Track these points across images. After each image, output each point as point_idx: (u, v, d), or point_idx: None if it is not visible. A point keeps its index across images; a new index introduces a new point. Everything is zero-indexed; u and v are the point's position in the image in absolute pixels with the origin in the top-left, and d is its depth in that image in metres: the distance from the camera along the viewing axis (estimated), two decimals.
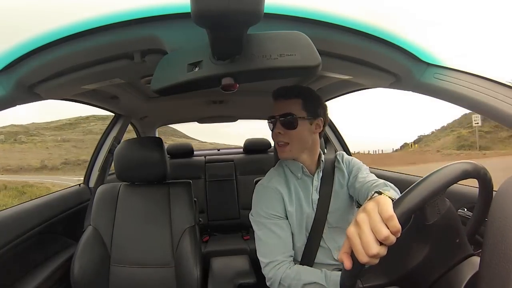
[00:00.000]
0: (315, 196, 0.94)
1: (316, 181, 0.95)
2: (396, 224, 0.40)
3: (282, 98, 0.93)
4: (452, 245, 0.54)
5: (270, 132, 0.97)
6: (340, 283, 0.51)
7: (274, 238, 0.89)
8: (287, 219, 0.92)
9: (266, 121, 0.99)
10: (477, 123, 15.35)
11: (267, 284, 0.89)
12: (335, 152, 1.05)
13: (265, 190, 0.95)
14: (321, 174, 0.96)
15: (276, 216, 0.91)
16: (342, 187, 0.96)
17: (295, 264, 0.89)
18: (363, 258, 0.41)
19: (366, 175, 0.92)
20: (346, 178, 0.97)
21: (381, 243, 0.41)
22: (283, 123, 0.90)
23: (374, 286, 0.55)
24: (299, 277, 0.82)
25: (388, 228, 0.40)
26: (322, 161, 0.98)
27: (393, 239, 0.40)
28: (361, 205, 0.85)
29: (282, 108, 0.91)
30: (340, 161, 1.00)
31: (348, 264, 0.44)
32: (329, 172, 0.97)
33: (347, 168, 0.99)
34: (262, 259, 0.89)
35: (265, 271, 0.88)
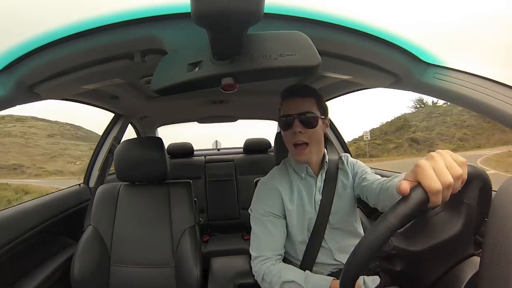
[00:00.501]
0: (318, 197, 0.94)
1: (320, 182, 0.95)
2: (465, 172, 0.42)
3: (300, 96, 0.89)
4: (473, 236, 0.55)
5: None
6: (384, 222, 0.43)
7: (266, 234, 0.90)
8: (285, 218, 0.93)
9: (276, 120, 0.97)
10: (367, 137, 20.49)
11: (254, 275, 0.91)
12: (338, 154, 1.04)
13: (265, 188, 0.95)
14: (324, 175, 0.96)
15: (272, 214, 0.92)
16: (345, 188, 0.96)
17: (282, 262, 0.91)
18: (435, 184, 0.40)
19: (374, 175, 0.92)
20: (350, 180, 0.97)
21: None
22: (302, 121, 0.86)
23: (403, 249, 0.54)
24: (280, 274, 0.83)
25: None
26: (326, 162, 0.97)
27: (458, 185, 0.41)
28: (368, 203, 0.87)
29: (300, 106, 0.87)
30: (345, 162, 1.00)
31: (406, 188, 0.41)
32: (333, 173, 0.96)
33: (352, 170, 0.99)
34: (252, 253, 0.92)
35: (252, 264, 0.91)
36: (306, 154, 0.89)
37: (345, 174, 0.98)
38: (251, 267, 0.93)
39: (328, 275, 0.90)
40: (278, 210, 0.92)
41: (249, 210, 0.98)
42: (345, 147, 1.91)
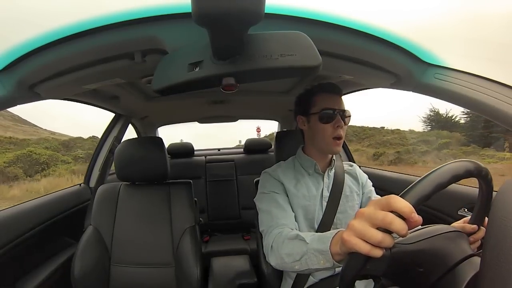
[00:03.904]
0: (326, 194, 0.94)
1: (327, 179, 0.96)
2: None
3: (339, 94, 0.94)
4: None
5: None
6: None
7: (277, 207, 0.87)
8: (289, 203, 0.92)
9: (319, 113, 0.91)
10: None
11: (264, 252, 0.83)
12: (341, 157, 1.06)
13: (268, 177, 0.96)
14: (332, 173, 0.97)
15: (278, 193, 0.91)
16: (351, 191, 0.97)
17: None
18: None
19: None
20: (358, 186, 1.00)
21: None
22: (342, 117, 0.90)
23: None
24: (287, 235, 0.75)
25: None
26: (334, 159, 0.99)
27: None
28: None
29: (341, 104, 0.92)
30: (354, 168, 1.03)
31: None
32: (340, 173, 0.98)
33: (360, 177, 1.02)
34: (262, 228, 0.86)
35: (263, 239, 0.83)
36: (341, 146, 0.92)
37: (353, 178, 1.00)
38: (251, 267, 0.92)
39: (327, 277, 0.91)
40: (283, 192, 0.92)
41: (254, 200, 0.96)
42: (349, 154, 1.90)
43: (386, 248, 0.44)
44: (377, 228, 0.42)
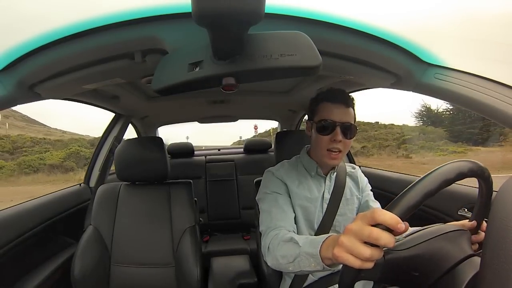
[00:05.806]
0: (327, 196, 0.94)
1: (329, 182, 0.96)
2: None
3: (344, 104, 0.87)
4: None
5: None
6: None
7: (277, 208, 0.87)
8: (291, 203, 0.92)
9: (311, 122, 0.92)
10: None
11: (262, 252, 0.83)
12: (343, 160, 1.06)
13: (271, 177, 0.96)
14: (334, 176, 0.97)
15: (280, 194, 0.91)
16: (352, 195, 0.98)
17: None
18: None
19: (374, 202, 0.99)
20: (358, 191, 1.00)
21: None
22: (344, 131, 0.85)
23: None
24: (282, 237, 0.75)
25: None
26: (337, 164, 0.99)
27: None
28: None
29: (344, 116, 0.86)
30: (356, 171, 1.03)
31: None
32: (342, 176, 0.98)
33: (361, 183, 1.02)
34: (262, 228, 0.87)
35: (262, 239, 0.84)
36: (339, 159, 0.89)
37: (354, 182, 1.01)
38: (251, 267, 0.92)
39: (326, 276, 0.91)
40: (284, 193, 0.92)
41: (256, 199, 0.97)
42: (350, 157, 1.90)
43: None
44: (366, 242, 0.42)
